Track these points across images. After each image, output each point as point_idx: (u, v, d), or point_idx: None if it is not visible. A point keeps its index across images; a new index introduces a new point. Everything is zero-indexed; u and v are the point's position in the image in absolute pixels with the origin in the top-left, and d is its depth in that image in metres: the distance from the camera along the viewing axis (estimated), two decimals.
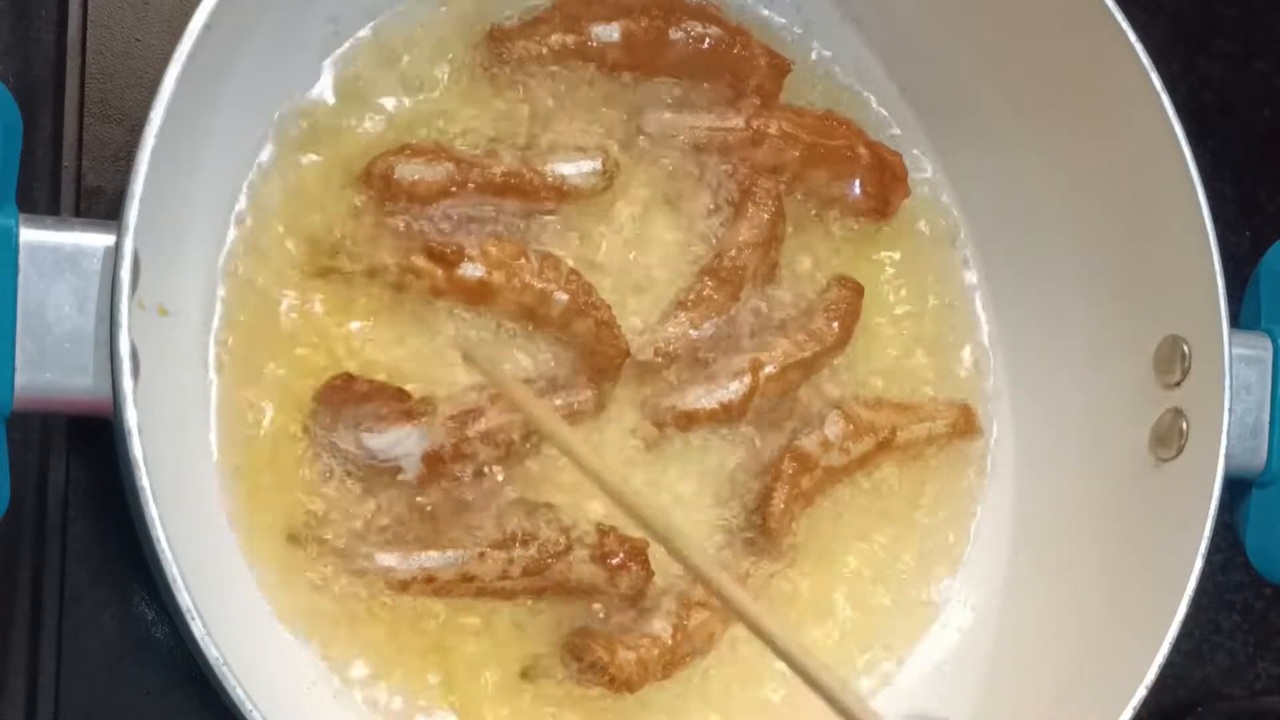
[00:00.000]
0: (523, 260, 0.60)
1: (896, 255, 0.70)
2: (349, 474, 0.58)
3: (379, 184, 0.59)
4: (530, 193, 0.61)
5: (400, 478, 0.58)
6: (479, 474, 0.59)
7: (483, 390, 0.60)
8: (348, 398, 0.58)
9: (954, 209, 0.72)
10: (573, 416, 0.61)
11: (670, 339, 0.63)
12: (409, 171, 0.59)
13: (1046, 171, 0.68)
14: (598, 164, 0.62)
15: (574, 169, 0.62)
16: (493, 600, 0.60)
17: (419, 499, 0.59)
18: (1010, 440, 0.71)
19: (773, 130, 0.65)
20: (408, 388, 0.59)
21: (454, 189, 0.60)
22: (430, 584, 0.58)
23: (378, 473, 0.58)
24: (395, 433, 0.58)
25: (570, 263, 0.62)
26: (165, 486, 0.48)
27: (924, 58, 0.69)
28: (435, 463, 0.58)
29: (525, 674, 0.60)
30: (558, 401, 0.60)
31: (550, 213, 0.62)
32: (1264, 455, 0.66)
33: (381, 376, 0.59)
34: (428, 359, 0.60)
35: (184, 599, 0.48)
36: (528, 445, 0.60)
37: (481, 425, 0.59)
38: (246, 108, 0.58)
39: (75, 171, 0.59)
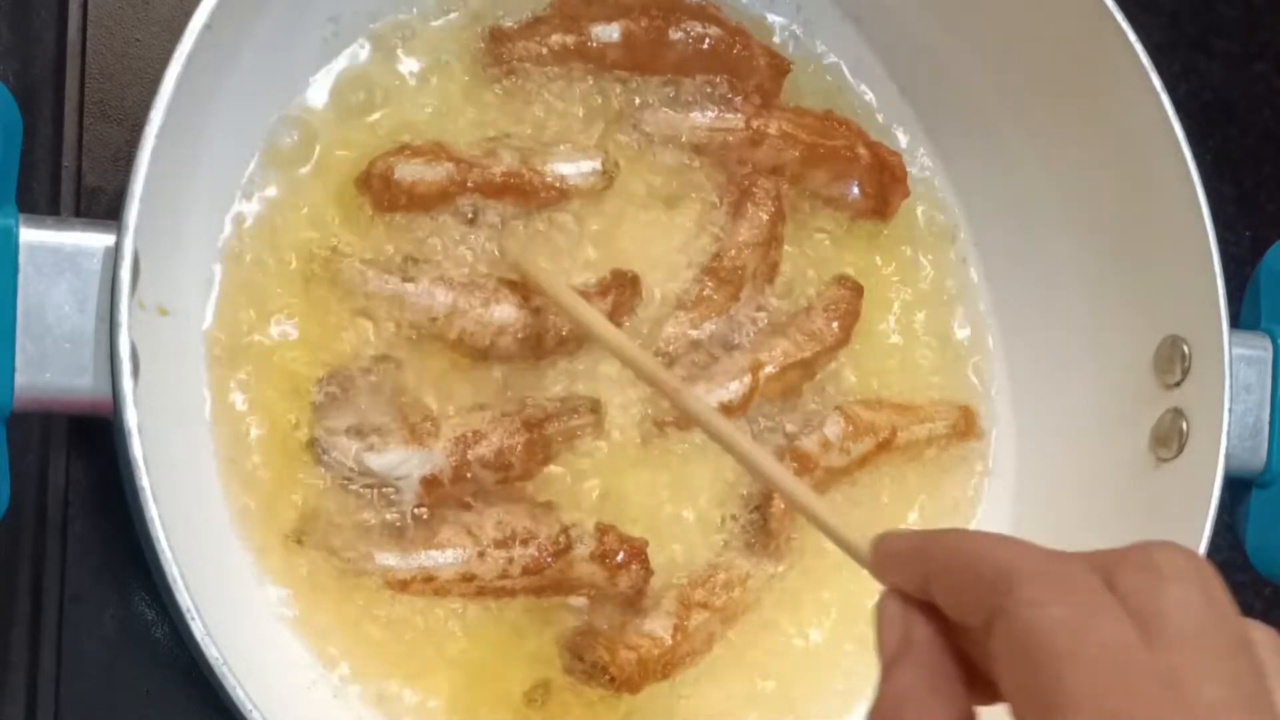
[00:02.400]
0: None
1: (896, 255, 0.70)
2: (348, 478, 0.58)
3: (378, 184, 0.59)
4: (530, 193, 0.61)
5: (396, 497, 0.58)
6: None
7: (486, 411, 0.60)
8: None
9: (954, 209, 0.72)
10: (572, 438, 0.61)
11: (670, 339, 0.63)
12: (408, 172, 0.59)
13: (1046, 171, 0.68)
14: (598, 164, 0.62)
15: (574, 169, 0.62)
16: (493, 599, 0.60)
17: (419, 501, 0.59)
18: (1010, 440, 0.71)
19: (773, 130, 0.65)
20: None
21: (453, 189, 0.60)
22: (430, 583, 0.58)
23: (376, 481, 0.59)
24: (397, 454, 0.58)
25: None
26: (165, 486, 0.48)
27: (924, 58, 0.69)
28: (433, 485, 0.58)
29: (529, 696, 0.60)
30: (555, 425, 0.61)
31: (549, 208, 0.62)
32: (1264, 455, 0.66)
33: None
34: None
35: (184, 599, 0.48)
36: (529, 468, 0.60)
37: (482, 449, 0.59)
38: (246, 108, 0.58)
39: (75, 171, 0.58)
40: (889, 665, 0.40)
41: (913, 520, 0.69)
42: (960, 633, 0.40)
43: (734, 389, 0.63)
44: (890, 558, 0.43)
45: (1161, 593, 0.36)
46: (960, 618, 0.39)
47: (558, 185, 0.61)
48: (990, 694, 0.39)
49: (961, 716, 0.39)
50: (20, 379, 0.49)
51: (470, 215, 0.61)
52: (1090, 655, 0.34)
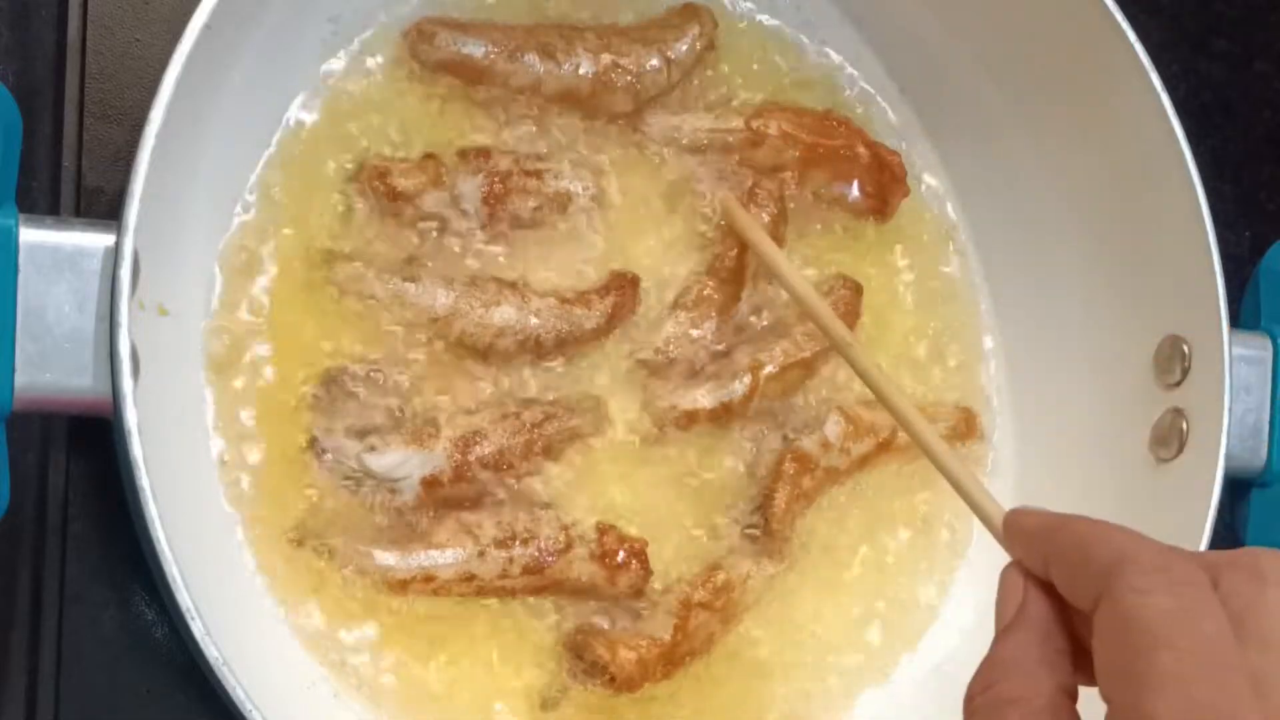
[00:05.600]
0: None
1: (896, 255, 0.70)
2: (348, 478, 0.58)
3: (377, 191, 0.59)
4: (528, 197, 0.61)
5: (396, 498, 0.58)
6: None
7: (486, 411, 0.60)
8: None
9: (953, 208, 0.72)
10: (573, 438, 0.61)
11: (670, 339, 0.63)
12: (404, 179, 0.59)
13: (1047, 171, 0.68)
14: (591, 187, 0.62)
15: (569, 184, 0.62)
16: (493, 599, 0.60)
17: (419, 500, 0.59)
18: (1011, 441, 0.71)
19: (772, 131, 0.65)
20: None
21: (448, 194, 0.60)
22: (430, 583, 0.58)
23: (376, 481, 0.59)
24: (397, 454, 0.58)
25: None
26: (165, 486, 0.48)
27: (924, 58, 0.69)
28: (433, 486, 0.58)
29: (544, 705, 0.60)
30: (556, 425, 0.61)
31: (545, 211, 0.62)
32: (1264, 455, 0.66)
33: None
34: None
35: (184, 599, 0.48)
36: (527, 468, 0.60)
37: (482, 449, 0.59)
38: (246, 108, 0.58)
39: (75, 171, 0.58)
40: (1002, 632, 0.42)
41: (914, 519, 0.69)
42: (1075, 616, 0.41)
43: (734, 389, 0.63)
44: (1018, 532, 0.45)
45: (1262, 597, 0.38)
46: (1073, 597, 0.40)
47: (555, 192, 0.62)
48: (1093, 676, 0.40)
49: (1063, 689, 0.40)
50: (20, 379, 0.49)
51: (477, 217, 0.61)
52: (1186, 645, 0.36)
